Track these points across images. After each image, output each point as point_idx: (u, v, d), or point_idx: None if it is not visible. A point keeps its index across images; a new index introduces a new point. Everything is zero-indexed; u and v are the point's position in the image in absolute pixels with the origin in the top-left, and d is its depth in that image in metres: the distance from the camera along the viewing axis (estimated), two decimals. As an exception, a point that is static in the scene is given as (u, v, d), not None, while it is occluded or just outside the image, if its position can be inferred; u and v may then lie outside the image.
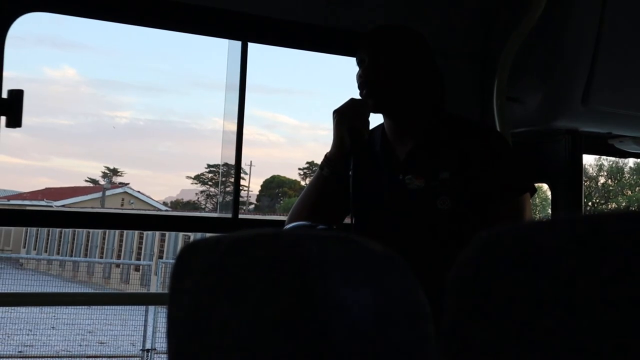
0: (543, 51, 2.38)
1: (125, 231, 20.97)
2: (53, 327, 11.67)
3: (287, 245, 0.63)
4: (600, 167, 31.89)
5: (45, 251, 26.37)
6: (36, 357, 10.61)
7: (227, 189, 2.58)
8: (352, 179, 1.77)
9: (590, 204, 29.71)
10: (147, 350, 9.96)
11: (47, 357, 10.73)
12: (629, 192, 31.40)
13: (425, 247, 1.74)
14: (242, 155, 2.27)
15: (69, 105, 57.33)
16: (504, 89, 2.37)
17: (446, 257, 0.88)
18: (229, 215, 2.28)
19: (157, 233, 22.14)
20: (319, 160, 1.94)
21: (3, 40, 1.90)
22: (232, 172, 2.35)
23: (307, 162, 45.28)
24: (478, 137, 1.76)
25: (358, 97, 1.82)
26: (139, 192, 31.99)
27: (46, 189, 32.69)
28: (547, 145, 2.64)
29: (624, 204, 30.08)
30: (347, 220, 1.89)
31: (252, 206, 42.96)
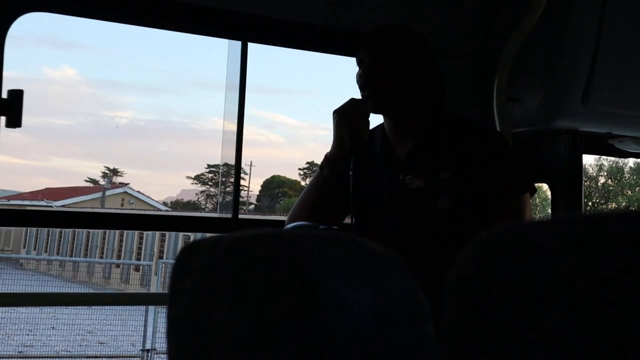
0: (543, 51, 2.38)
1: (125, 231, 20.96)
2: (53, 327, 11.67)
3: (287, 245, 0.63)
4: (600, 167, 31.91)
5: (45, 251, 26.37)
6: (36, 357, 10.62)
7: (227, 189, 2.58)
8: (352, 179, 1.77)
9: (590, 204, 29.70)
10: (147, 351, 9.96)
11: (47, 357, 10.73)
12: (629, 192, 31.40)
13: (425, 247, 1.74)
14: (242, 155, 2.27)
15: (68, 105, 57.36)
16: (504, 89, 2.37)
17: (446, 257, 0.88)
18: (229, 216, 2.28)
19: (157, 233, 22.14)
20: (319, 160, 1.94)
21: (3, 40, 1.90)
22: (232, 172, 2.35)
23: (307, 162, 45.30)
24: (478, 137, 1.76)
25: (358, 97, 1.82)
26: (139, 192, 31.98)
27: (46, 189, 32.69)
28: (547, 145, 2.64)
29: (624, 204, 30.07)
30: (347, 220, 1.89)
31: (252, 206, 42.96)
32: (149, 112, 60.55)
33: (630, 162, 30.31)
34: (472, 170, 1.72)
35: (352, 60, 1.86)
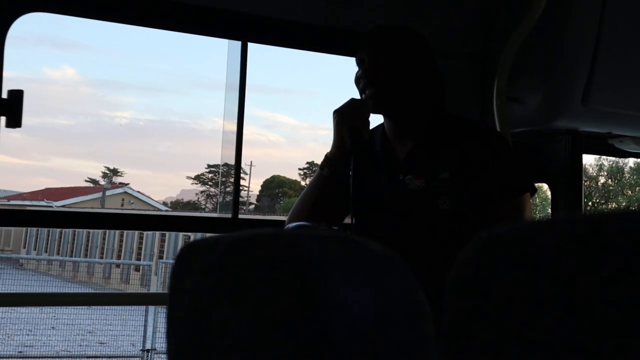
0: (543, 51, 2.38)
1: (125, 231, 20.96)
2: (53, 327, 11.67)
3: (287, 245, 0.63)
4: (600, 167, 31.91)
5: (46, 251, 26.36)
6: (36, 357, 10.61)
7: (227, 189, 2.58)
8: (352, 179, 1.77)
9: (590, 204, 29.70)
10: (147, 351, 9.96)
11: (47, 357, 10.73)
12: (629, 192, 31.39)
13: (425, 247, 1.74)
14: (242, 155, 2.27)
15: (68, 105, 57.38)
16: (504, 89, 2.37)
17: (446, 257, 0.88)
18: (229, 216, 2.28)
19: (157, 233, 22.14)
20: (319, 160, 1.94)
21: (3, 40, 1.90)
22: (232, 172, 2.35)
23: (307, 162, 45.32)
24: (478, 137, 1.76)
25: (358, 97, 1.82)
26: (139, 192, 31.99)
27: (46, 189, 32.69)
28: (547, 145, 2.64)
29: (624, 204, 30.06)
30: (347, 220, 1.89)
31: (252, 206, 42.96)
32: (149, 112, 60.62)
33: (630, 162, 30.35)
34: (472, 170, 1.72)
35: (352, 60, 1.85)
